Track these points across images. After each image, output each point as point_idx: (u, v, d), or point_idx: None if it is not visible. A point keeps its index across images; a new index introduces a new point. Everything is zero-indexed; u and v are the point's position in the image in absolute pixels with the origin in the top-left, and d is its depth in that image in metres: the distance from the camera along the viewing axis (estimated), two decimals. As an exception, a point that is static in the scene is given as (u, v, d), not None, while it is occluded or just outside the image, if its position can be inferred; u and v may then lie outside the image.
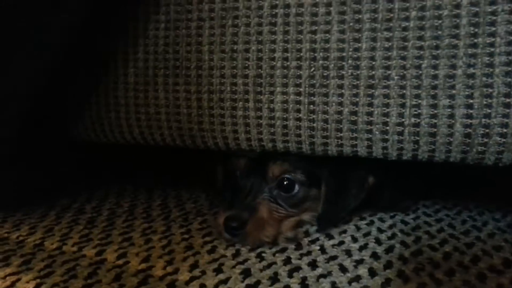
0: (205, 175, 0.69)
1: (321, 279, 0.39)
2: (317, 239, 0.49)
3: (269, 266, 0.42)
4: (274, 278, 0.40)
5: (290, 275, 0.40)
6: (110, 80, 0.54)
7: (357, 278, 0.40)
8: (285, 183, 0.51)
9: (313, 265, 0.42)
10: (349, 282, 0.39)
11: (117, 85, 0.54)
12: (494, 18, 0.37)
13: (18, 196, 0.64)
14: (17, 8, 0.44)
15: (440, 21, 0.39)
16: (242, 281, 0.39)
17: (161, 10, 0.50)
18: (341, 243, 0.48)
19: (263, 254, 0.45)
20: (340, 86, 0.43)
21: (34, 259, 0.44)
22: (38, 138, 0.59)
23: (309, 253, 0.45)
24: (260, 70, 0.47)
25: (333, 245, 0.47)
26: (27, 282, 0.39)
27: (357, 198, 0.51)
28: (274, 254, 0.45)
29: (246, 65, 0.47)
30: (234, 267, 0.42)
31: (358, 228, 0.52)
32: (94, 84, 0.56)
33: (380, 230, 0.51)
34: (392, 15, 0.40)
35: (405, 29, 0.40)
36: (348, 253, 0.45)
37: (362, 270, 0.41)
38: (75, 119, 0.59)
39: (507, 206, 0.60)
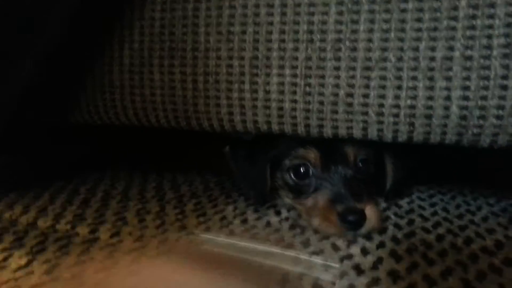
0: (214, 161, 0.68)
1: (313, 256, 0.40)
2: (311, 221, 0.49)
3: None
4: (268, 257, 0.40)
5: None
6: (105, 62, 0.54)
7: (349, 256, 0.40)
8: (361, 165, 0.50)
9: (306, 244, 0.43)
10: (341, 259, 0.39)
11: (112, 67, 0.54)
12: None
13: (12, 180, 0.64)
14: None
15: (439, 3, 0.39)
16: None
17: (157, -10, 0.50)
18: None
19: (257, 234, 0.45)
20: (337, 68, 0.43)
21: (27, 237, 0.44)
22: (32, 121, 0.59)
23: (303, 232, 0.45)
24: (256, 51, 0.46)
25: (326, 227, 0.47)
26: (19, 257, 0.39)
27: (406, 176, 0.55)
28: (268, 234, 0.45)
29: (243, 46, 0.47)
30: (228, 246, 0.42)
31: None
32: (89, 66, 0.55)
33: (374, 214, 0.52)
34: (390, -5, 0.40)
35: (403, 10, 0.40)
36: (341, 234, 0.45)
37: (354, 249, 0.41)
38: (70, 102, 0.58)
39: (501, 191, 0.61)
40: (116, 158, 0.79)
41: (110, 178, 0.68)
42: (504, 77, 0.37)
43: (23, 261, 0.38)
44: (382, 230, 0.46)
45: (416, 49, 0.40)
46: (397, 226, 0.48)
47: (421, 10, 0.39)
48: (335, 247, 0.42)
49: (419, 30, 0.39)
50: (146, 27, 0.51)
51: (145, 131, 0.64)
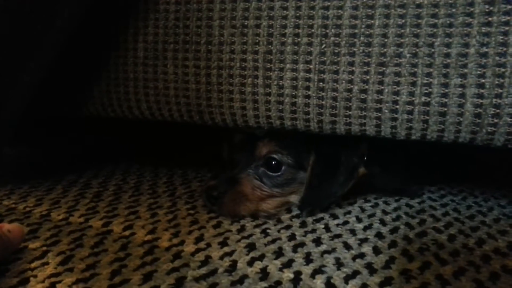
0: (210, 152, 0.69)
1: (325, 255, 0.40)
2: (322, 218, 0.49)
3: (273, 241, 0.42)
4: (279, 252, 0.40)
5: (294, 250, 0.40)
6: (119, 55, 0.54)
7: (361, 255, 0.40)
8: (272, 162, 0.51)
9: (317, 242, 0.43)
10: (353, 259, 0.39)
11: (127, 59, 0.54)
12: (511, -4, 0.36)
13: (25, 171, 0.65)
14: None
15: (455, -1, 0.38)
16: (247, 254, 0.39)
17: (172, -16, 0.50)
18: (346, 222, 0.48)
19: (268, 230, 0.45)
20: (351, 64, 0.43)
21: (41, 229, 0.45)
22: (46, 114, 0.60)
23: (313, 231, 0.45)
24: (270, 46, 0.46)
25: (337, 224, 0.47)
26: (34, 249, 0.39)
27: (344, 186, 0.50)
28: (279, 231, 0.45)
29: (257, 41, 0.47)
30: (239, 241, 0.42)
31: (363, 210, 0.52)
32: (104, 59, 0.55)
33: (385, 212, 0.51)
34: (406, -9, 0.39)
35: (419, 6, 0.39)
36: (353, 232, 0.45)
37: (367, 248, 0.41)
38: (84, 94, 0.59)
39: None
40: (129, 152, 0.80)
41: (122, 173, 0.68)
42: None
43: (38, 252, 0.39)
44: (393, 229, 0.46)
45: (431, 45, 0.39)
46: (408, 225, 0.47)
47: (436, 5, 0.39)
48: (347, 246, 0.42)
49: (434, 26, 0.39)
50: (161, 20, 0.51)
51: (157, 126, 0.64)
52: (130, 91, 0.54)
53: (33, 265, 0.36)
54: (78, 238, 0.42)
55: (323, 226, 0.47)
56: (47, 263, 0.37)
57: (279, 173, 0.51)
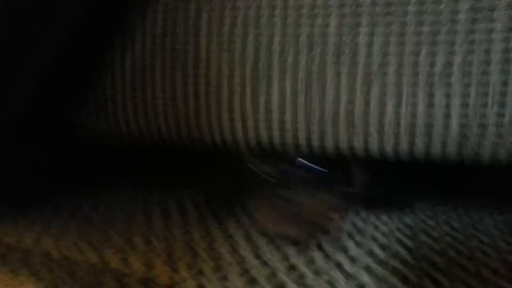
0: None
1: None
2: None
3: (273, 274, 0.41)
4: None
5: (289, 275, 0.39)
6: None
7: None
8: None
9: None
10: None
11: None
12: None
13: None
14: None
15: (440, 6, 0.38)
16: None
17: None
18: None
19: (268, 262, 0.44)
20: (338, 74, 0.42)
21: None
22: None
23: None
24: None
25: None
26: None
27: None
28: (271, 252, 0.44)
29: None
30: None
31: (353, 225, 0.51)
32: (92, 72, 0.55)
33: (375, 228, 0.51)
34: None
35: (404, 14, 0.39)
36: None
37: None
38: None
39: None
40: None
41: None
42: (504, 84, 0.37)
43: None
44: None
45: (417, 54, 0.39)
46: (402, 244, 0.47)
47: (422, 13, 0.39)
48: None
49: (419, 34, 0.39)
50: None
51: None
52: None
53: None
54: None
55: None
56: None
57: None
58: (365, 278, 0.39)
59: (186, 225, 0.54)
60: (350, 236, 0.48)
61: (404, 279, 0.39)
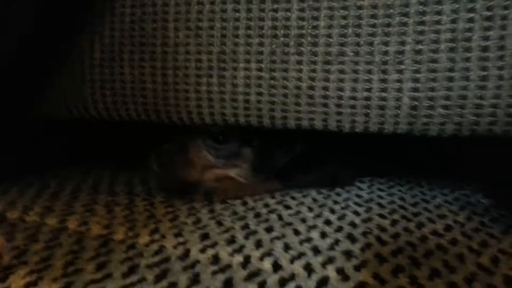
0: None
1: (275, 240, 0.42)
2: (275, 209, 0.51)
3: (227, 230, 0.44)
4: (231, 240, 0.42)
5: (246, 238, 0.42)
6: (76, 57, 0.55)
7: (309, 240, 0.42)
8: (220, 137, 0.55)
9: (269, 230, 0.45)
10: (301, 243, 0.41)
11: (83, 62, 0.55)
12: (441, -3, 0.40)
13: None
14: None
15: (392, 0, 0.41)
16: (200, 242, 0.41)
17: (127, -14, 0.51)
18: (298, 212, 0.50)
19: (223, 221, 0.47)
20: (299, 62, 0.45)
21: (-5, 227, 0.44)
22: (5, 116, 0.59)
23: (266, 220, 0.48)
24: (224, 46, 0.48)
25: (289, 214, 0.50)
26: (-12, 245, 0.39)
27: (284, 158, 0.57)
28: (233, 221, 0.47)
29: (211, 41, 0.49)
30: (193, 231, 0.44)
31: (315, 200, 0.55)
32: (60, 61, 0.56)
33: (335, 202, 0.54)
34: (347, -6, 0.43)
35: (359, 7, 0.42)
36: (303, 220, 0.48)
37: (314, 233, 0.44)
38: (41, 96, 0.59)
39: (456, 182, 0.65)
40: (88, 153, 0.80)
41: (80, 173, 0.68)
42: (451, 70, 0.40)
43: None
44: (341, 216, 0.49)
45: (371, 43, 0.42)
46: (355, 213, 0.50)
47: (375, 6, 0.42)
48: (296, 232, 0.44)
49: (373, 26, 0.42)
50: (117, 22, 0.53)
51: (117, 127, 0.65)
52: (86, 92, 0.55)
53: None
54: (33, 235, 0.42)
55: (276, 216, 0.49)
56: (0, 257, 0.37)
57: (224, 146, 0.55)
58: (319, 241, 0.42)
59: (149, 196, 0.56)
60: (309, 209, 0.52)
61: (353, 239, 0.43)
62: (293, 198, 0.56)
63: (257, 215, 0.49)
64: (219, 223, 0.46)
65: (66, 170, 0.70)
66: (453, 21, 0.40)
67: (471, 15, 0.39)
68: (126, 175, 0.68)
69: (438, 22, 0.41)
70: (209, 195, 0.55)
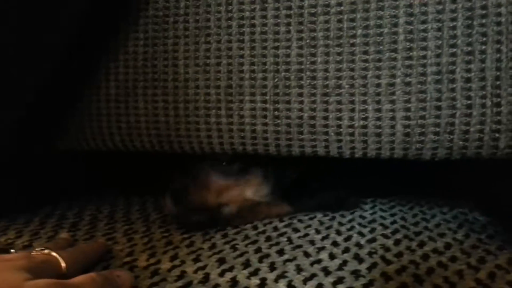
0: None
1: (287, 263, 0.45)
2: (285, 232, 0.55)
3: (241, 254, 0.47)
4: (246, 264, 0.45)
5: (260, 261, 0.45)
6: (93, 92, 0.59)
7: (319, 261, 0.45)
8: (226, 160, 0.58)
9: (280, 252, 0.48)
10: (311, 264, 0.44)
11: (99, 96, 0.59)
12: (426, 34, 0.44)
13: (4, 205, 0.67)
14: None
15: (381, 38, 0.45)
16: (218, 267, 0.44)
17: (140, 28, 0.56)
18: (306, 235, 0.54)
19: (237, 246, 0.50)
20: (300, 94, 0.49)
21: (24, 257, 0.47)
22: (25, 148, 0.63)
23: (277, 243, 0.51)
24: (230, 81, 0.52)
25: (299, 237, 0.53)
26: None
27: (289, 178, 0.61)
28: (246, 245, 0.50)
29: (218, 77, 0.53)
30: (210, 256, 0.47)
31: (321, 223, 0.58)
32: (78, 96, 0.60)
33: (340, 224, 0.57)
34: (342, 33, 0.47)
35: (352, 45, 0.47)
36: (312, 242, 0.51)
37: (323, 255, 0.47)
38: (59, 129, 0.63)
39: (454, 200, 0.68)
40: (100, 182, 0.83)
41: (95, 203, 0.72)
42: (438, 99, 0.44)
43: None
44: (347, 238, 0.52)
45: (365, 77, 0.46)
46: (360, 233, 0.53)
47: (367, 44, 0.46)
48: (306, 254, 0.47)
49: (366, 61, 0.46)
50: (130, 60, 0.57)
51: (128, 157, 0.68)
52: (103, 125, 0.59)
53: None
54: (61, 264, 0.45)
55: (286, 239, 0.52)
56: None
57: (231, 166, 0.58)
58: (328, 262, 0.45)
59: (164, 223, 0.59)
60: (317, 232, 0.55)
61: (360, 260, 0.46)
62: (300, 221, 0.59)
63: (268, 238, 0.52)
64: (234, 248, 0.49)
65: (80, 200, 0.74)
66: (438, 55, 0.44)
67: (454, 50, 0.43)
68: (139, 203, 0.71)
69: (424, 57, 0.45)
70: (230, 220, 0.57)
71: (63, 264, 0.38)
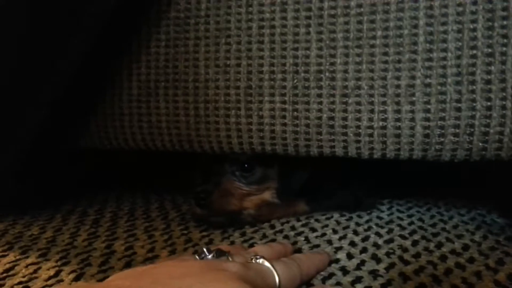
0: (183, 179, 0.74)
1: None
2: (302, 232, 0.55)
3: (259, 252, 0.48)
4: (264, 261, 0.45)
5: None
6: (115, 93, 0.60)
7: (336, 261, 0.46)
8: (245, 165, 0.60)
9: (298, 252, 0.48)
10: (329, 263, 0.45)
11: (122, 96, 0.60)
12: (446, 36, 0.44)
13: (25, 203, 0.69)
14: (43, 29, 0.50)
15: (401, 39, 0.46)
16: (237, 264, 0.45)
17: (162, 30, 0.57)
18: (323, 234, 0.54)
19: (255, 244, 0.51)
20: (319, 95, 0.50)
21: (50, 252, 0.49)
22: (48, 148, 0.65)
23: (295, 243, 0.51)
24: (250, 82, 0.53)
25: (316, 236, 0.53)
26: (48, 269, 0.44)
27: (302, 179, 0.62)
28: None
29: (238, 77, 0.53)
30: (229, 254, 0.48)
31: (338, 223, 0.59)
32: (101, 96, 0.62)
33: (357, 224, 0.58)
34: (362, 34, 0.47)
35: (372, 46, 0.47)
36: (329, 242, 0.51)
37: (341, 255, 0.47)
38: (81, 128, 0.64)
39: (472, 203, 0.68)
40: (119, 180, 0.85)
41: (114, 200, 0.73)
42: (458, 101, 0.44)
43: (52, 271, 0.43)
44: (364, 238, 0.52)
45: (385, 78, 0.47)
46: (378, 234, 0.54)
47: (387, 45, 0.46)
48: (324, 253, 0.48)
49: (386, 62, 0.46)
50: (152, 61, 0.58)
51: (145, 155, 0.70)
52: (125, 125, 0.60)
53: (49, 282, 0.41)
54: (85, 259, 0.47)
55: (303, 238, 0.53)
56: (62, 280, 0.41)
57: (252, 172, 0.60)
58: (346, 262, 0.46)
59: (183, 221, 0.60)
60: (334, 231, 0.55)
61: (377, 260, 0.46)
62: (317, 220, 0.60)
63: (286, 237, 0.53)
64: (252, 246, 0.50)
65: (100, 197, 0.75)
66: (458, 57, 0.44)
67: (474, 51, 0.43)
68: (158, 201, 0.73)
69: (444, 59, 0.45)
70: (252, 221, 0.59)
71: (276, 280, 0.35)
